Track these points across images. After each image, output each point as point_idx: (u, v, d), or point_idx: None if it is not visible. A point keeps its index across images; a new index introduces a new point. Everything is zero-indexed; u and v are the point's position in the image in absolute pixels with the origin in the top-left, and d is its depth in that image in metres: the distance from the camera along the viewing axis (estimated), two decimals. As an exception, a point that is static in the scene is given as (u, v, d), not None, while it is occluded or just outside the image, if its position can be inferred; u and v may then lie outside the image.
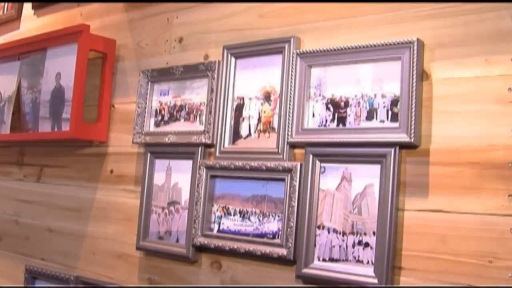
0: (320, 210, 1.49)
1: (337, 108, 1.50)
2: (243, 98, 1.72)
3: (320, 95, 1.54)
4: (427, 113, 1.36)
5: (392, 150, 1.38)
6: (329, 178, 1.49)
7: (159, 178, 1.90)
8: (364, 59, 1.46)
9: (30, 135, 2.30)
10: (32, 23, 2.57)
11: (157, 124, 1.93)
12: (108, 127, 2.12)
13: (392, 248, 1.35)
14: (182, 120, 1.86)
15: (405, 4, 1.43)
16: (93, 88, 2.13)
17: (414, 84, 1.36)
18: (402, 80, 1.38)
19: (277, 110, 1.62)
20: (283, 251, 1.53)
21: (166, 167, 1.88)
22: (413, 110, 1.35)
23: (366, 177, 1.43)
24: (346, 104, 1.48)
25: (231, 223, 1.67)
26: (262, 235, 1.60)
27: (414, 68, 1.36)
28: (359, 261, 1.40)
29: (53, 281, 2.17)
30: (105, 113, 2.11)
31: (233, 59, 1.75)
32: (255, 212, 1.63)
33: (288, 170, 1.55)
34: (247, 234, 1.63)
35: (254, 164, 1.62)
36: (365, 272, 1.38)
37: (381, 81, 1.43)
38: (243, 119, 1.70)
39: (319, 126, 1.52)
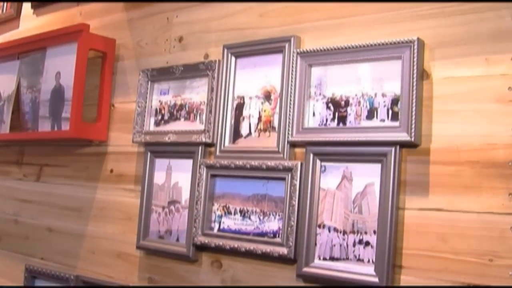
0: (321, 209, 1.50)
1: (338, 107, 1.50)
2: (243, 97, 1.72)
3: (320, 94, 1.54)
4: (428, 112, 1.37)
5: (393, 149, 1.38)
6: (330, 177, 1.49)
7: (159, 177, 1.90)
8: (365, 58, 1.46)
9: (29, 134, 2.30)
10: (31, 22, 2.57)
11: (157, 123, 1.93)
12: (108, 126, 2.12)
13: (392, 247, 1.36)
14: (182, 119, 1.86)
15: (406, 4, 1.43)
16: (93, 87, 2.13)
17: (415, 83, 1.36)
18: (402, 79, 1.39)
19: (277, 109, 1.63)
20: (283, 250, 1.53)
21: (166, 166, 1.89)
22: (414, 109, 1.35)
23: (366, 176, 1.43)
24: (347, 103, 1.49)
25: (231, 222, 1.67)
26: (262, 234, 1.60)
27: (415, 67, 1.36)
28: (359, 260, 1.41)
29: (53, 281, 2.17)
30: (105, 112, 2.11)
31: (233, 58, 1.75)
32: (255, 211, 1.63)
33: (289, 169, 1.56)
34: (247, 233, 1.63)
35: (254, 163, 1.63)
36: (366, 271, 1.38)
37: (381, 80, 1.44)
38: (244, 118, 1.71)
39: (319, 125, 1.53)
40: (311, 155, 1.52)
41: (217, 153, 1.74)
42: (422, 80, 1.38)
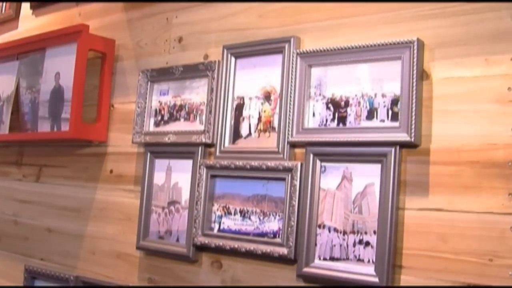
0: (321, 209, 1.50)
1: (338, 107, 1.50)
2: (243, 98, 1.72)
3: (320, 94, 1.54)
4: (427, 113, 1.37)
5: (393, 149, 1.38)
6: (330, 177, 1.50)
7: (159, 178, 1.90)
8: (364, 59, 1.47)
9: (29, 135, 2.30)
10: (30, 22, 2.57)
11: (157, 124, 1.93)
12: (107, 127, 2.12)
13: (392, 247, 1.36)
14: (182, 119, 1.87)
15: (405, 4, 1.44)
16: (92, 88, 2.13)
17: (414, 84, 1.36)
18: (402, 80, 1.39)
19: (277, 110, 1.63)
20: (283, 250, 1.54)
21: (166, 167, 1.89)
22: (413, 109, 1.36)
23: (366, 176, 1.43)
24: (347, 103, 1.49)
25: (231, 223, 1.68)
26: (262, 235, 1.60)
27: (414, 67, 1.37)
28: (359, 260, 1.41)
29: (52, 281, 2.17)
30: (104, 113, 2.11)
31: (233, 59, 1.75)
32: (255, 212, 1.63)
33: (289, 170, 1.56)
34: (247, 234, 1.63)
35: (254, 163, 1.63)
36: (366, 271, 1.39)
37: (381, 80, 1.44)
38: (243, 119, 1.71)
39: (319, 125, 1.53)
40: (311, 156, 1.52)
41: (217, 153, 1.74)
42: (422, 80, 1.38)
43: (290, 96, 1.57)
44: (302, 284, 1.52)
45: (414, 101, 1.36)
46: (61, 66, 2.13)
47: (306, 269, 1.49)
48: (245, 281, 1.65)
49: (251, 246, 1.60)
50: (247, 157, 1.66)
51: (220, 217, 1.70)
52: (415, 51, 1.37)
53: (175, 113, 1.89)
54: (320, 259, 1.48)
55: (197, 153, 1.78)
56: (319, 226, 1.49)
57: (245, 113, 1.71)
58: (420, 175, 1.37)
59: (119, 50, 2.14)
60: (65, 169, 2.27)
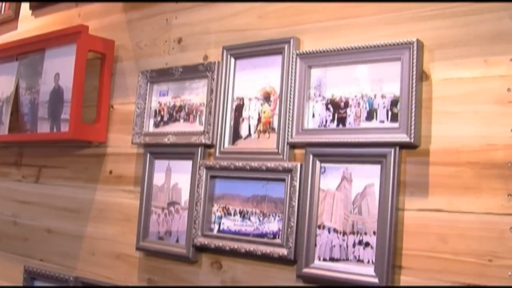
0: (321, 210, 1.50)
1: (337, 108, 1.51)
2: (242, 99, 1.72)
3: (320, 95, 1.54)
4: (427, 114, 1.37)
5: (392, 150, 1.39)
6: (330, 178, 1.50)
7: (158, 179, 1.90)
8: (364, 60, 1.47)
9: (28, 135, 2.30)
10: (30, 23, 2.57)
11: (156, 125, 1.93)
12: (107, 127, 2.12)
13: (392, 248, 1.36)
14: (181, 120, 1.87)
15: (405, 5, 1.44)
16: (92, 88, 2.13)
17: (414, 85, 1.36)
18: (401, 81, 1.39)
19: (277, 111, 1.63)
20: (283, 251, 1.54)
21: (165, 168, 1.89)
22: (413, 110, 1.36)
23: (366, 177, 1.43)
24: (346, 104, 1.49)
25: (231, 223, 1.68)
26: (262, 235, 1.60)
27: (414, 68, 1.37)
28: (359, 260, 1.41)
29: (52, 282, 2.17)
30: (104, 113, 2.11)
31: (232, 60, 1.75)
32: (255, 212, 1.63)
33: (288, 170, 1.56)
34: (247, 234, 1.63)
35: (254, 164, 1.63)
36: (366, 272, 1.39)
37: (381, 81, 1.44)
38: (243, 120, 1.71)
39: (319, 126, 1.53)
40: (311, 156, 1.53)
41: (217, 154, 1.74)
42: (421, 81, 1.38)
43: (290, 97, 1.58)
44: (302, 284, 1.52)
45: (413, 102, 1.36)
46: (61, 67, 2.14)
47: (306, 270, 1.49)
48: (245, 282, 1.65)
49: (251, 247, 1.60)
50: (246, 158, 1.66)
51: (220, 217, 1.71)
52: (415, 52, 1.37)
53: (174, 114, 1.89)
54: (320, 259, 1.48)
55: (197, 154, 1.78)
56: (319, 227, 1.49)
57: (244, 114, 1.71)
58: (419, 176, 1.37)
59: (119, 51, 2.14)
60: (65, 169, 2.27)
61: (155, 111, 1.94)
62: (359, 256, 1.42)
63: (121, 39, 2.14)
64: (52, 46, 2.20)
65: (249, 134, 1.69)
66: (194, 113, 1.83)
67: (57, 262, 2.22)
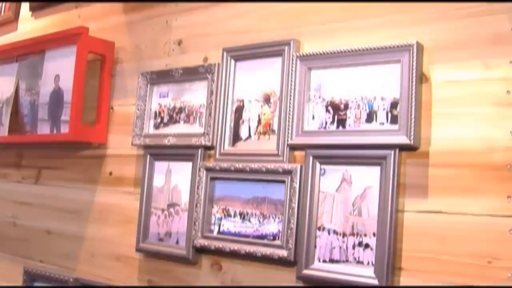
0: (321, 211, 1.50)
1: (337, 110, 1.51)
2: (242, 101, 1.72)
3: (320, 97, 1.55)
4: (427, 116, 1.38)
5: (392, 152, 1.39)
6: (329, 179, 1.50)
7: (158, 180, 1.90)
8: (364, 62, 1.47)
9: (28, 137, 2.30)
10: (29, 25, 2.57)
11: (156, 126, 1.93)
12: (107, 129, 2.12)
13: (392, 249, 1.36)
14: (181, 122, 1.87)
15: (405, 8, 1.44)
16: (92, 90, 2.13)
17: (414, 87, 1.37)
18: (401, 83, 1.40)
19: (277, 112, 1.63)
20: (283, 253, 1.54)
21: (165, 169, 1.89)
22: (413, 112, 1.36)
23: (366, 178, 1.44)
24: (346, 106, 1.49)
25: (231, 225, 1.68)
26: (262, 237, 1.61)
27: (414, 71, 1.37)
28: (359, 262, 1.42)
29: (52, 283, 2.17)
30: (104, 115, 2.11)
31: (232, 62, 1.75)
32: (255, 214, 1.63)
33: (288, 172, 1.56)
34: (247, 236, 1.64)
35: (254, 166, 1.63)
36: (366, 273, 1.39)
37: (380, 83, 1.44)
38: (243, 121, 1.71)
39: (319, 128, 1.54)
40: (311, 158, 1.53)
41: (217, 156, 1.74)
42: (421, 83, 1.39)
43: (290, 99, 1.58)
44: (302, 284, 1.52)
45: (413, 104, 1.36)
46: (61, 68, 2.14)
47: (305, 271, 1.49)
48: (245, 283, 1.65)
49: (251, 248, 1.60)
50: (246, 160, 1.67)
51: (220, 219, 1.71)
52: (415, 54, 1.38)
53: (174, 115, 1.89)
54: (319, 261, 1.48)
55: (197, 156, 1.78)
56: (319, 228, 1.50)
57: (244, 115, 1.71)
58: (419, 178, 1.37)
59: (119, 52, 2.15)
60: (65, 171, 2.28)
61: (155, 112, 1.94)
62: (359, 257, 1.42)
63: (121, 40, 2.14)
64: (52, 48, 2.20)
65: (249, 136, 1.70)
66: (194, 114, 1.84)
67: (57, 264, 2.23)
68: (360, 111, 1.47)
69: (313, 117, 1.55)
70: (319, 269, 1.47)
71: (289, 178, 1.56)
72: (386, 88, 1.43)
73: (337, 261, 1.45)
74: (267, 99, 1.67)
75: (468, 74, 1.33)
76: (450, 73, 1.36)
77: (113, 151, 2.10)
